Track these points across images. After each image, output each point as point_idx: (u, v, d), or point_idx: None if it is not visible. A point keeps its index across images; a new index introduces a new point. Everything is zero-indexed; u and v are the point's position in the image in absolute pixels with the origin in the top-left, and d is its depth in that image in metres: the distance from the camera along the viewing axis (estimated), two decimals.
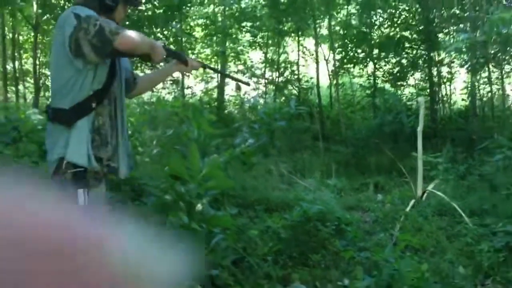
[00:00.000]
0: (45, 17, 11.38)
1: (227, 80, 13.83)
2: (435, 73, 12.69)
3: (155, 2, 11.47)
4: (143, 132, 6.09)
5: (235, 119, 11.24)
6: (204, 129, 4.73)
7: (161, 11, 11.47)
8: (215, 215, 3.29)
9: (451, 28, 11.93)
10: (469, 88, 11.50)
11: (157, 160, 5.35)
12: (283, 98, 13.44)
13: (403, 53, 12.95)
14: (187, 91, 13.45)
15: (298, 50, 14.30)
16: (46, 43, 12.65)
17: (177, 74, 11.68)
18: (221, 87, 14.07)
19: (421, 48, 12.72)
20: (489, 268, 3.99)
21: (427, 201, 5.83)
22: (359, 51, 13.59)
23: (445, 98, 12.93)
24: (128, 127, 2.84)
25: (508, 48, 10.70)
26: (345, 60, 13.65)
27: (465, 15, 10.68)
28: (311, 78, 14.16)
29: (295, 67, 14.22)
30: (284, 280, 3.68)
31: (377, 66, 13.49)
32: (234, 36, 13.63)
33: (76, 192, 2.35)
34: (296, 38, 14.22)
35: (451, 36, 11.89)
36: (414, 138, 6.80)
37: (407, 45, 12.94)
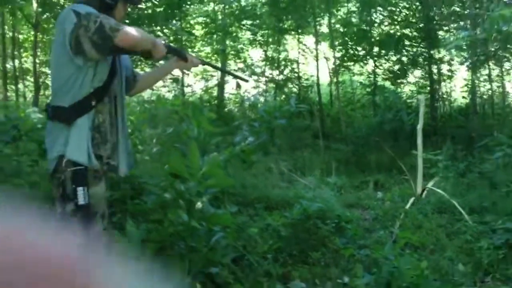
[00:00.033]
0: (45, 15, 11.36)
1: (227, 78, 13.82)
2: (435, 70, 12.68)
3: (155, 0, 11.46)
4: (143, 131, 6.08)
5: (235, 117, 11.24)
6: (204, 127, 4.73)
7: (161, 9, 11.46)
8: (215, 213, 3.29)
9: (451, 25, 11.92)
10: (469, 86, 11.50)
11: (157, 158, 5.35)
12: (283, 96, 13.44)
13: (403, 50, 12.92)
14: (187, 89, 13.45)
15: (298, 48, 14.29)
16: (46, 42, 12.64)
17: (177, 72, 11.70)
18: (221, 85, 14.05)
19: (421, 45, 12.69)
20: (489, 265, 4.00)
21: (427, 199, 5.84)
22: (359, 49, 13.57)
23: (445, 96, 12.93)
24: (128, 125, 2.84)
25: (508, 46, 10.69)
26: (345, 58, 13.62)
27: (465, 12, 10.67)
28: (311, 76, 14.14)
29: (295, 65, 14.21)
30: (284, 278, 3.69)
31: (377, 64, 13.47)
32: (234, 34, 13.61)
33: (76, 190, 2.36)
34: (296, 36, 14.21)
35: (451, 33, 11.89)
36: (414, 136, 6.81)
37: (407, 42, 12.91)
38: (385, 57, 13.34)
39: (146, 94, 9.98)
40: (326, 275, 3.78)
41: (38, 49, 12.17)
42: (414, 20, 12.88)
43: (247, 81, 4.74)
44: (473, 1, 10.06)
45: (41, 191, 4.37)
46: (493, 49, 10.79)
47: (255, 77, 13.68)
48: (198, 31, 13.83)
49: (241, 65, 14.19)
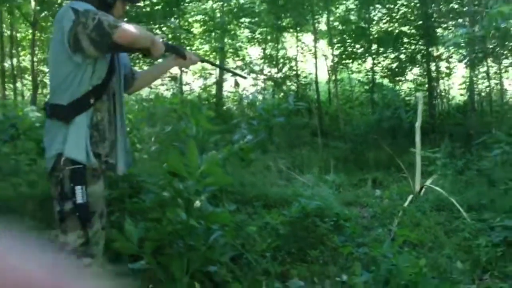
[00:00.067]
0: (43, 14, 11.35)
1: (225, 76, 13.82)
2: (433, 68, 12.69)
3: None
4: (141, 129, 6.08)
5: (233, 116, 11.24)
6: (202, 126, 4.72)
7: (160, 7, 11.45)
8: (214, 212, 3.29)
9: (450, 23, 11.91)
10: (467, 83, 11.50)
11: (155, 157, 5.35)
12: (282, 94, 13.44)
13: (402, 48, 12.94)
14: (185, 88, 13.44)
15: (297, 46, 14.29)
16: (44, 40, 12.62)
17: (175, 71, 11.70)
18: (219, 83, 14.05)
19: (420, 43, 12.70)
20: (487, 263, 4.00)
21: (425, 196, 5.84)
22: (358, 46, 13.57)
23: (443, 93, 12.94)
24: (126, 124, 2.84)
25: (506, 43, 10.70)
26: (343, 56, 13.63)
27: (464, 9, 10.67)
28: (310, 73, 14.16)
29: (293, 63, 14.22)
30: (282, 276, 3.69)
31: (375, 61, 13.48)
32: (232, 32, 13.61)
33: (74, 189, 2.36)
34: (295, 33, 14.21)
35: (450, 31, 11.88)
36: (412, 134, 6.80)
37: (405, 40, 12.93)
38: (384, 54, 13.36)
39: (145, 92, 9.98)
40: (324, 273, 3.79)
41: (36, 47, 12.17)
42: (412, 18, 12.89)
43: (245, 77, 4.73)
44: None
45: (39, 190, 4.37)
46: (491, 46, 10.79)
47: (254, 75, 13.68)
48: (197, 29, 13.82)
49: (239, 63, 14.19)
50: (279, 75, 14.03)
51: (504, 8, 5.27)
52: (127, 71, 2.78)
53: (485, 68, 11.54)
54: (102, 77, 2.49)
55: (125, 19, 2.69)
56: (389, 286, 3.04)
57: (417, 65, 13.09)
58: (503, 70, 12.06)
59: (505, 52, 11.33)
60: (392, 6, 12.94)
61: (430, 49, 12.36)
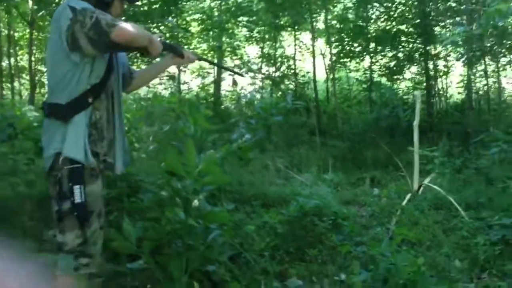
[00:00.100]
0: (41, 13, 11.33)
1: (223, 75, 13.82)
2: (431, 66, 12.70)
3: None
4: (139, 128, 6.08)
5: (231, 115, 11.25)
6: (200, 125, 4.72)
7: (157, 6, 11.43)
8: (212, 211, 3.29)
9: (448, 21, 11.92)
10: (465, 82, 11.51)
11: (153, 156, 5.34)
12: (280, 93, 13.44)
13: (400, 46, 12.94)
14: (183, 87, 13.44)
15: (295, 45, 14.28)
16: (41, 40, 12.61)
17: (173, 70, 11.69)
18: (217, 82, 14.06)
19: (418, 41, 12.71)
20: (485, 262, 4.00)
21: (423, 195, 5.84)
22: (356, 45, 13.57)
23: (441, 92, 12.94)
24: (124, 123, 2.84)
25: (504, 41, 10.72)
26: (341, 54, 13.63)
27: (462, 8, 10.68)
28: (308, 72, 14.15)
29: (291, 62, 14.21)
30: (281, 276, 3.69)
31: (373, 60, 13.49)
32: (230, 31, 13.61)
33: (73, 189, 2.36)
34: (293, 32, 14.20)
35: (448, 29, 11.89)
36: (410, 132, 6.80)
37: (403, 38, 12.94)
38: (381, 53, 13.36)
39: (143, 91, 9.96)
40: (323, 272, 3.79)
41: (34, 46, 12.15)
42: (410, 16, 12.88)
43: (243, 75, 4.72)
44: None
45: (37, 190, 4.37)
46: (489, 45, 10.80)
47: (252, 74, 13.67)
48: (194, 28, 13.81)
49: (237, 62, 14.19)
50: (277, 74, 14.03)
51: (501, 6, 5.27)
52: (125, 70, 2.78)
53: (483, 67, 11.55)
54: (101, 76, 2.49)
55: (123, 18, 2.68)
56: (388, 285, 3.05)
57: (415, 64, 13.09)
58: (501, 68, 12.08)
59: (502, 50, 11.35)
60: (390, 5, 12.93)
61: (428, 48, 12.37)
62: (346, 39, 13.52)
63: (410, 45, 12.92)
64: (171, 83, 12.90)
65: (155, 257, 3.04)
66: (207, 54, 13.76)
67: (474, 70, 11.30)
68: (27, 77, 12.99)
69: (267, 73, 14.17)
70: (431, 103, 12.20)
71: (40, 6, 11.04)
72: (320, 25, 14.01)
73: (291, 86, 14.05)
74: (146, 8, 11.26)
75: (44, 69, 11.90)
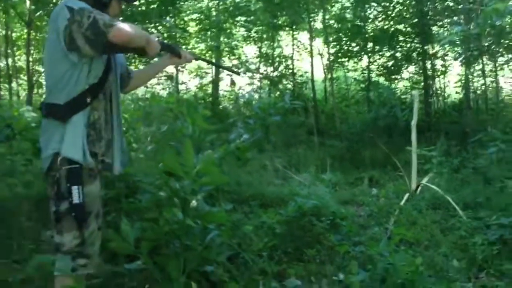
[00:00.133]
0: (38, 13, 11.32)
1: (221, 75, 13.82)
2: (429, 66, 12.71)
3: None
4: (137, 128, 6.07)
5: (229, 115, 11.26)
6: (198, 125, 4.72)
7: (155, 6, 11.42)
8: (210, 211, 3.29)
9: (445, 20, 11.93)
10: (463, 81, 11.52)
11: (151, 156, 5.34)
12: (278, 92, 13.44)
13: (397, 46, 12.95)
14: (181, 87, 13.44)
15: (293, 44, 14.29)
16: (39, 40, 12.60)
17: (171, 70, 11.68)
18: (215, 82, 14.05)
19: (415, 41, 12.73)
20: (483, 261, 4.00)
21: (421, 195, 5.85)
22: (353, 44, 13.58)
23: (439, 91, 12.96)
24: (122, 123, 2.84)
25: (501, 40, 10.72)
26: (339, 54, 13.64)
27: (459, 7, 10.68)
28: (306, 72, 14.16)
29: (289, 62, 14.22)
30: (279, 276, 3.69)
31: (371, 59, 13.50)
32: (228, 30, 13.60)
33: (71, 189, 2.35)
34: (291, 32, 14.21)
35: (445, 28, 11.91)
36: (408, 132, 6.81)
37: (401, 38, 12.95)
38: (379, 53, 13.37)
39: (141, 91, 9.97)
40: (321, 272, 3.78)
41: (31, 47, 12.13)
42: (408, 16, 12.89)
43: (238, 73, 4.73)
44: None
45: (35, 191, 4.37)
46: (486, 44, 10.81)
47: (250, 74, 13.67)
48: (192, 27, 13.81)
49: (235, 62, 14.19)
50: (275, 73, 14.02)
51: (499, 5, 5.27)
52: (122, 70, 2.78)
53: (480, 66, 11.56)
54: (99, 76, 2.48)
55: (121, 18, 2.67)
56: (386, 285, 3.05)
57: (413, 63, 13.11)
58: (498, 68, 12.09)
59: (500, 50, 11.36)
60: (387, 4, 12.95)
61: (425, 47, 12.38)
62: (344, 39, 13.52)
63: (408, 45, 12.94)
64: (169, 83, 12.90)
65: (153, 257, 3.04)
66: (205, 54, 13.75)
67: (472, 70, 11.31)
68: (25, 78, 12.98)
69: (265, 73, 14.17)
70: (429, 102, 12.21)
71: (37, 6, 11.03)
72: (318, 25, 14.02)
73: (289, 86, 14.06)
74: (144, 8, 11.26)
75: (42, 70, 11.89)
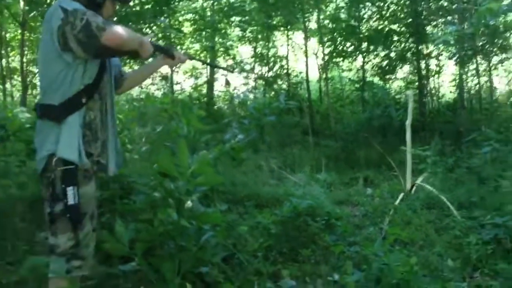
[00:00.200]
0: (32, 14, 11.27)
1: (216, 75, 13.81)
2: (423, 66, 12.74)
3: None
4: (132, 129, 6.05)
5: (224, 115, 11.25)
6: (193, 125, 4.72)
7: (149, 6, 11.39)
8: (205, 212, 3.29)
9: (439, 20, 11.96)
10: (457, 81, 11.56)
11: (146, 157, 5.33)
12: (273, 93, 13.45)
13: (392, 46, 12.97)
14: (176, 87, 13.42)
15: (288, 45, 14.30)
16: (33, 40, 12.55)
17: (166, 70, 11.66)
18: (210, 82, 14.04)
19: (410, 41, 12.75)
20: (478, 261, 4.01)
21: (416, 195, 5.86)
22: (348, 44, 13.58)
23: (433, 91, 12.99)
24: (117, 124, 2.83)
25: (495, 40, 10.76)
26: (334, 54, 13.64)
27: (453, 7, 10.71)
28: (301, 72, 14.17)
29: (284, 62, 14.22)
30: (274, 276, 3.69)
31: (366, 59, 13.52)
32: (223, 31, 13.59)
33: (66, 190, 2.34)
34: (285, 32, 14.21)
35: (439, 28, 11.93)
36: (402, 132, 6.82)
37: (395, 38, 12.96)
38: (374, 52, 13.38)
39: (135, 92, 9.96)
40: (316, 272, 3.79)
41: (26, 47, 12.08)
42: (402, 16, 12.91)
43: (232, 71, 4.73)
44: None
45: (29, 192, 4.35)
46: (480, 44, 10.85)
47: (245, 74, 13.67)
48: (187, 28, 13.79)
49: (230, 62, 14.19)
50: (270, 74, 14.03)
51: (493, 5, 5.28)
52: (116, 72, 2.77)
53: (474, 66, 11.60)
54: (93, 76, 2.48)
55: (115, 19, 2.67)
56: (381, 285, 3.05)
57: (407, 63, 13.14)
58: (492, 68, 12.14)
59: (494, 49, 11.40)
60: (382, 4, 12.96)
61: (420, 47, 12.41)
62: (339, 39, 13.52)
63: (402, 45, 12.96)
64: (164, 83, 12.89)
65: (147, 258, 3.03)
66: (200, 54, 13.74)
67: (466, 69, 11.35)
68: (19, 78, 12.92)
69: (260, 73, 14.17)
70: (423, 102, 12.24)
71: (31, 7, 10.98)
72: (313, 25, 14.03)
73: (284, 86, 14.06)
74: (138, 8, 11.22)
75: (36, 70, 11.85)
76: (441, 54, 12.51)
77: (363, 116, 11.95)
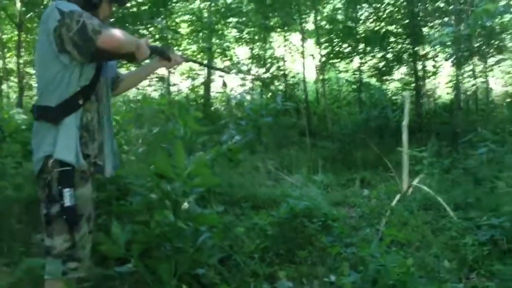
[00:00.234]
0: (29, 15, 11.26)
1: (213, 76, 13.81)
2: (420, 67, 12.76)
3: None
4: (128, 130, 6.05)
5: (221, 116, 11.23)
6: (190, 127, 4.72)
7: (146, 7, 11.39)
8: (202, 213, 3.29)
9: (436, 21, 11.99)
10: (454, 82, 11.58)
11: (142, 158, 5.32)
12: (270, 94, 13.45)
13: (388, 47, 13.00)
14: (173, 88, 13.41)
15: (284, 46, 14.30)
16: (30, 42, 12.52)
17: (163, 71, 11.65)
18: (207, 84, 14.04)
19: (406, 42, 12.77)
20: (474, 262, 4.02)
21: (413, 196, 5.86)
22: (345, 46, 13.60)
23: (429, 92, 13.02)
24: (113, 125, 2.83)
25: (492, 41, 10.80)
26: (331, 55, 13.66)
27: (450, 8, 10.74)
28: (298, 73, 14.18)
29: (281, 63, 14.23)
30: (271, 278, 3.69)
31: (362, 60, 13.53)
32: (220, 32, 13.59)
33: (62, 192, 2.34)
34: (282, 33, 14.22)
35: (436, 29, 11.96)
36: (399, 133, 6.83)
37: (392, 39, 12.99)
38: (371, 54, 13.40)
39: (132, 93, 9.93)
40: (312, 274, 3.79)
41: (22, 49, 12.06)
42: (399, 17, 12.94)
43: (228, 72, 4.74)
44: None
45: (25, 193, 4.34)
46: (477, 45, 10.88)
47: (242, 75, 13.67)
48: (184, 29, 13.78)
49: (227, 63, 14.18)
50: (267, 75, 14.02)
51: (489, 6, 5.30)
52: (112, 73, 2.77)
53: (471, 67, 11.62)
54: (90, 77, 2.47)
55: (112, 19, 2.66)
56: (377, 286, 3.06)
57: (404, 64, 13.16)
58: (488, 69, 12.16)
59: (490, 51, 11.44)
60: (378, 5, 13.00)
61: (416, 48, 12.44)
62: (336, 40, 13.54)
63: (399, 46, 12.98)
64: (161, 84, 12.87)
65: (144, 260, 3.03)
66: (197, 56, 13.73)
67: (462, 71, 11.37)
68: (15, 80, 12.90)
69: (257, 74, 14.16)
70: (420, 103, 12.26)
71: (28, 8, 10.97)
72: (310, 26, 14.04)
73: (281, 87, 14.06)
74: (135, 9, 11.22)
75: (33, 72, 11.83)
76: (438, 55, 12.55)
77: (360, 117, 11.97)
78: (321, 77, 13.33)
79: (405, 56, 12.89)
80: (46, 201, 2.39)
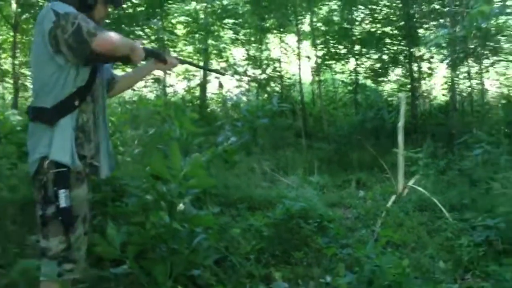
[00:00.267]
0: (24, 16, 11.23)
1: (209, 78, 13.79)
2: (415, 68, 12.79)
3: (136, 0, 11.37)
4: (124, 132, 6.03)
5: (217, 117, 11.21)
6: (186, 128, 4.73)
7: (142, 8, 11.38)
8: (197, 215, 3.29)
9: (431, 23, 12.02)
10: (449, 83, 11.61)
11: (138, 159, 5.31)
12: (266, 95, 13.45)
13: (384, 49, 13.02)
14: (169, 90, 13.38)
15: (280, 47, 14.31)
16: (25, 43, 12.49)
17: (158, 73, 11.64)
18: (203, 85, 14.02)
19: (402, 43, 12.80)
20: (469, 263, 4.03)
21: (408, 197, 5.88)
22: (341, 47, 13.62)
23: (425, 94, 13.04)
24: (109, 126, 2.83)
25: (487, 43, 10.82)
26: (327, 57, 13.67)
27: (445, 10, 10.77)
28: (294, 75, 14.18)
29: (277, 64, 14.23)
30: (266, 279, 3.69)
31: (358, 62, 13.55)
32: (216, 33, 13.58)
33: (58, 193, 2.34)
34: (278, 34, 14.23)
35: (431, 31, 11.99)
36: (395, 134, 6.84)
37: (388, 41, 13.01)
38: (366, 55, 13.43)
39: (128, 94, 9.91)
40: (308, 274, 3.79)
41: (17, 50, 12.03)
42: (394, 18, 12.97)
43: (223, 74, 4.75)
44: None
45: (20, 195, 4.33)
46: (472, 47, 10.90)
47: (237, 77, 13.66)
48: (180, 30, 13.76)
49: (223, 64, 14.18)
50: (263, 76, 14.02)
51: (484, 8, 5.31)
52: (108, 74, 2.77)
53: (466, 68, 11.65)
54: (86, 78, 2.47)
55: (107, 21, 2.66)
56: (373, 287, 3.06)
57: (400, 66, 13.19)
58: (484, 70, 12.19)
59: (485, 52, 11.46)
60: (374, 7, 13.02)
61: (412, 50, 12.46)
62: (331, 42, 13.57)
63: (395, 47, 13.01)
64: (157, 86, 12.86)
65: (139, 261, 3.03)
66: (193, 57, 13.72)
67: (457, 72, 11.40)
68: (11, 81, 12.86)
69: (253, 75, 14.16)
70: (416, 105, 12.28)
71: (23, 9, 10.95)
72: (306, 28, 14.05)
73: (277, 89, 14.06)
74: (131, 10, 11.20)
75: (28, 73, 11.81)
76: (433, 57, 12.58)
77: (355, 118, 11.99)
78: (317, 78, 13.34)
79: (400, 57, 12.91)
80: (42, 202, 2.39)
